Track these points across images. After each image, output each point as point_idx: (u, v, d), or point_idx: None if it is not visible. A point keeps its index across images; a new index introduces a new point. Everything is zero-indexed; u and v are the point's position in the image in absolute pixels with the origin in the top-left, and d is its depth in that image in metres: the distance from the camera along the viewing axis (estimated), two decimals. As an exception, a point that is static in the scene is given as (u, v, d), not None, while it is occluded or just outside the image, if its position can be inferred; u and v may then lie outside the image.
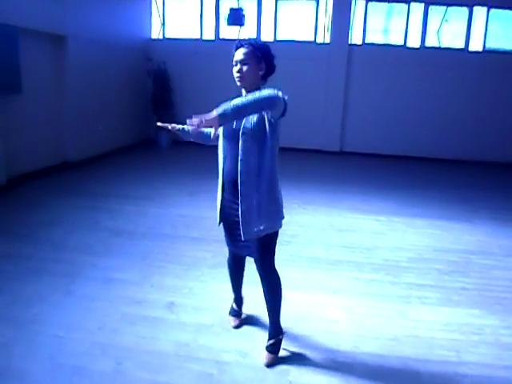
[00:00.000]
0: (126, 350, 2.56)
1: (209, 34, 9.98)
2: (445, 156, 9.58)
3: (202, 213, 5.04)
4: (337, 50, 9.40)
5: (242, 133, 2.26)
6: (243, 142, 2.27)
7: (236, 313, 2.92)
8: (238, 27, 9.66)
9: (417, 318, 3.04)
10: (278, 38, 9.72)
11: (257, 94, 2.06)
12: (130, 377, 2.35)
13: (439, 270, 3.84)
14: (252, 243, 2.41)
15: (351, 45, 9.52)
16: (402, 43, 9.62)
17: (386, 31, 10.03)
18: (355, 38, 9.67)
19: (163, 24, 10.11)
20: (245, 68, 2.29)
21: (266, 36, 9.71)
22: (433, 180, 7.73)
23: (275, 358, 2.53)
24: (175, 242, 4.20)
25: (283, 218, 2.45)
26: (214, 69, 9.60)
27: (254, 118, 2.23)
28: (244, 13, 9.33)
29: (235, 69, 2.33)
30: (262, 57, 2.31)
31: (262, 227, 2.33)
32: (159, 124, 2.70)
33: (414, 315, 3.06)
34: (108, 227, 4.55)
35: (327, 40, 9.61)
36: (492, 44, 9.73)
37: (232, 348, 2.62)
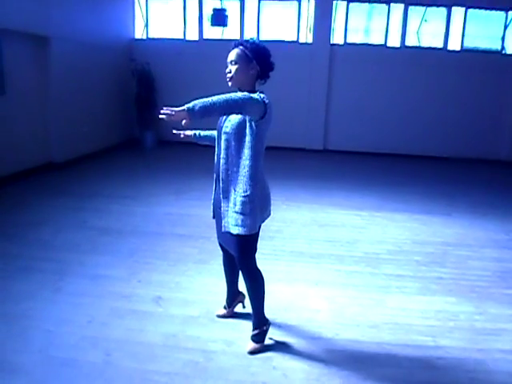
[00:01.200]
0: (115, 342, 2.64)
1: (192, 35, 10.04)
2: (426, 153, 9.80)
3: (188, 210, 5.13)
4: (319, 50, 9.55)
5: (224, 132, 2.37)
6: (224, 140, 2.38)
7: (224, 306, 3.00)
8: (222, 28, 9.77)
9: (395, 307, 3.18)
10: (261, 38, 9.81)
11: (232, 95, 2.13)
12: (119, 367, 2.44)
13: (417, 262, 4.00)
14: (231, 240, 2.48)
15: (333, 45, 9.68)
16: (383, 43, 9.81)
17: (367, 31, 10.21)
18: (337, 37, 9.82)
19: (146, 24, 10.14)
20: (233, 68, 2.36)
21: (249, 36, 9.78)
22: (414, 176, 7.92)
23: (259, 347, 2.62)
24: (162, 239, 4.28)
25: (250, 226, 2.37)
26: (197, 69, 9.69)
27: (236, 118, 2.32)
28: (227, 13, 9.45)
29: (226, 69, 2.41)
30: (254, 57, 2.34)
31: (234, 225, 2.39)
32: (174, 131, 2.83)
33: (392, 304, 3.20)
34: (95, 226, 4.60)
35: (310, 40, 9.75)
36: (470, 43, 9.98)
37: (218, 338, 2.72)
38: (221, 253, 2.86)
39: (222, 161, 2.42)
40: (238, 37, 9.80)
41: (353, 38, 9.91)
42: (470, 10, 9.70)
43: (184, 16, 9.95)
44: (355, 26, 9.99)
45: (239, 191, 2.37)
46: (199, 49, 9.82)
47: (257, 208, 2.41)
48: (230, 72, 2.38)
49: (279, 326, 2.86)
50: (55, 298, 3.13)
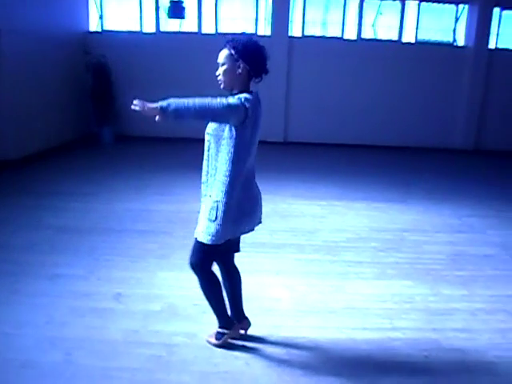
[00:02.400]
0: (76, 341, 2.60)
1: (149, 27, 9.84)
2: (384, 143, 10.04)
3: (149, 206, 5.08)
4: (277, 42, 9.57)
5: (206, 132, 2.32)
6: (207, 141, 2.33)
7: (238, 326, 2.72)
8: (179, 20, 9.64)
9: (354, 292, 3.29)
10: (219, 31, 9.76)
11: (209, 101, 2.07)
12: (80, 365, 2.41)
13: (375, 248, 4.14)
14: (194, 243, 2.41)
15: (291, 37, 9.75)
16: (340, 35, 9.97)
17: (324, 24, 10.35)
18: (295, 30, 9.91)
19: (101, 16, 9.86)
20: (221, 70, 2.29)
21: (208, 29, 9.72)
22: (373, 166, 8.13)
23: (215, 343, 2.59)
24: (122, 236, 4.22)
25: (214, 235, 2.26)
26: (155, 62, 9.53)
27: None
28: (184, 5, 9.33)
29: (217, 72, 2.33)
30: (241, 56, 2.23)
31: (201, 231, 2.31)
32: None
33: (351, 289, 3.31)
34: (52, 225, 4.48)
35: (268, 32, 9.78)
36: (423, 36, 10.30)
37: (180, 331, 2.73)
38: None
39: (204, 162, 2.37)
40: (195, 29, 9.72)
41: (311, 31, 10.02)
42: (423, 4, 10.00)
43: (140, 8, 9.73)
44: (313, 18, 10.10)
45: (212, 196, 2.30)
46: (156, 41, 9.65)
47: (228, 218, 2.27)
48: (219, 74, 2.30)
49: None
50: (12, 300, 3.04)
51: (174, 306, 3.00)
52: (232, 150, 2.22)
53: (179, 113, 2.05)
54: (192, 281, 3.29)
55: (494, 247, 4.40)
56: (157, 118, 2.03)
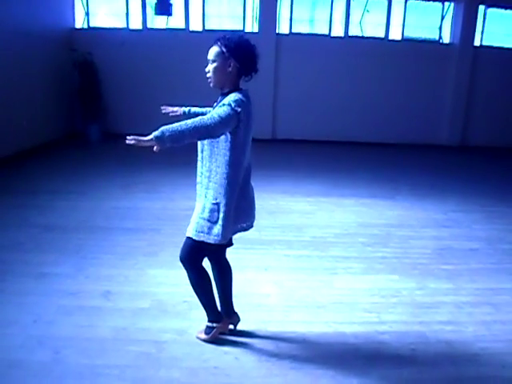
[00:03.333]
0: (64, 340, 2.59)
1: (136, 24, 9.76)
2: (371, 140, 10.12)
3: (137, 203, 5.06)
4: (265, 40, 9.55)
5: None
6: (201, 144, 2.32)
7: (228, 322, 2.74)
8: (166, 17, 9.58)
9: (341, 287, 3.32)
10: (206, 28, 9.73)
11: (200, 121, 2.04)
12: (68, 364, 2.39)
13: (363, 243, 4.18)
14: (185, 241, 2.42)
15: (279, 34, 9.76)
16: (327, 33, 10.01)
17: (311, 21, 10.37)
18: (282, 27, 9.91)
19: (87, 13, 9.75)
20: (211, 67, 2.26)
21: (195, 26, 9.68)
22: (360, 162, 8.19)
23: (204, 338, 2.61)
24: (109, 234, 4.20)
25: (216, 235, 2.28)
26: (142, 59, 9.47)
27: None
28: (171, 2, 9.27)
29: (206, 68, 2.31)
30: (232, 54, 2.21)
31: (198, 232, 2.31)
32: (163, 108, 2.77)
33: (339, 284, 3.34)
34: (38, 224, 4.43)
35: (255, 29, 9.78)
36: (410, 33, 10.38)
37: (169, 328, 2.73)
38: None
39: (198, 163, 2.37)
40: (183, 26, 9.67)
41: (298, 28, 10.04)
42: (410, 1, 10.07)
43: (127, 4, 9.64)
44: (300, 16, 10.12)
45: (209, 198, 2.29)
46: (143, 38, 9.58)
47: (229, 219, 2.28)
48: (208, 72, 2.28)
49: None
50: (-3, 299, 3.01)
51: (162, 303, 3.00)
52: (228, 152, 2.22)
53: (174, 138, 2.01)
54: (181, 278, 3.30)
55: (479, 241, 4.48)
56: (155, 148, 2.01)
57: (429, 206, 5.54)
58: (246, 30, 9.78)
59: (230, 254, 3.77)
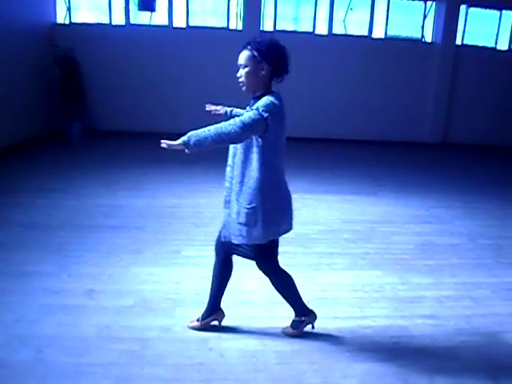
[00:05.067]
0: (47, 339, 2.56)
1: (119, 19, 9.66)
2: (355, 137, 10.20)
3: (120, 201, 5.02)
4: (249, 37, 9.55)
5: None
6: (233, 148, 2.32)
7: (198, 319, 2.75)
8: (150, 12, 9.49)
9: (325, 282, 3.35)
10: (190, 24, 9.67)
11: (224, 127, 2.07)
12: (51, 363, 2.37)
13: (346, 239, 4.22)
14: (245, 248, 2.43)
15: (263, 31, 9.74)
16: (311, 30, 10.05)
17: (295, 19, 10.40)
18: (267, 25, 9.91)
19: (69, 8, 9.61)
20: (243, 72, 2.25)
21: (179, 22, 9.62)
22: (344, 160, 8.26)
23: (293, 332, 2.69)
24: (93, 232, 4.16)
25: (256, 237, 2.31)
26: (125, 54, 9.39)
27: None
28: (155, -3, 9.18)
29: (237, 74, 2.29)
30: (264, 57, 2.20)
31: (237, 235, 2.34)
32: (207, 107, 2.81)
33: (322, 280, 3.37)
34: (20, 222, 4.36)
35: (240, 27, 9.76)
36: (393, 32, 10.49)
37: (154, 325, 2.72)
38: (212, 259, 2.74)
39: (228, 168, 2.37)
40: (166, 22, 9.59)
41: (282, 26, 10.05)
42: (393, 0, 10.17)
43: (109, 0, 9.53)
44: (284, 13, 10.14)
45: (243, 202, 2.29)
46: (126, 34, 9.48)
47: (268, 221, 2.31)
48: (241, 76, 2.27)
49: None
50: (-22, 299, 2.96)
51: (147, 301, 2.99)
52: (261, 157, 2.23)
53: (199, 143, 2.07)
54: (165, 275, 3.32)
55: (460, 237, 4.57)
56: (186, 151, 2.08)
57: (411, 202, 5.63)
58: (231, 27, 9.75)
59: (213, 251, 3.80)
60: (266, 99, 2.21)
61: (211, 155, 7.30)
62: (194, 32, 9.53)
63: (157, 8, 9.19)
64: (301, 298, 2.68)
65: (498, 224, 5.07)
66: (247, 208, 2.29)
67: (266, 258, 2.49)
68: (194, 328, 2.69)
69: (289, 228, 2.52)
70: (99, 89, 9.42)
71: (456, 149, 10.25)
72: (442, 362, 2.55)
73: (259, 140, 2.20)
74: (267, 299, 3.06)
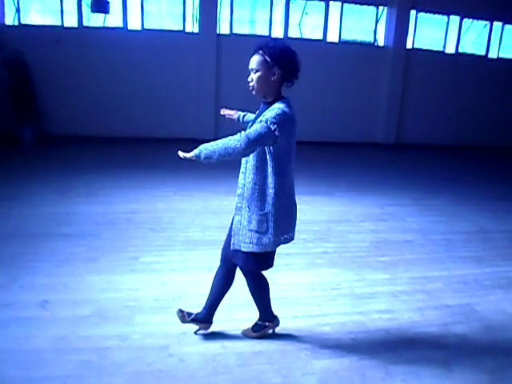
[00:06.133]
0: (-1, 353, 2.46)
1: (71, 21, 9.39)
2: (310, 139, 10.29)
3: (75, 208, 4.87)
4: (206, 40, 9.55)
5: None
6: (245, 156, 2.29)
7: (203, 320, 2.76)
8: (103, 14, 9.28)
9: (284, 283, 3.40)
10: (145, 27, 9.53)
11: (230, 142, 2.08)
12: (5, 378, 2.28)
13: (304, 239, 4.29)
14: (241, 256, 2.42)
15: (220, 35, 9.76)
16: (267, 34, 10.14)
17: (252, 22, 10.47)
18: (223, 28, 9.93)
19: (18, 9, 9.24)
20: (254, 77, 2.24)
21: (134, 24, 9.47)
22: (300, 161, 8.11)
23: (253, 335, 2.72)
24: (46, 240, 4.01)
25: (266, 244, 2.32)
26: (78, 58, 9.13)
27: None
28: (108, -1, 8.99)
29: (248, 78, 2.28)
30: (275, 62, 2.20)
31: (248, 243, 2.33)
32: (222, 112, 2.86)
33: (281, 280, 3.41)
34: (-34, 233, 4.16)
35: (196, 30, 9.72)
36: (346, 36, 10.76)
37: (112, 334, 2.67)
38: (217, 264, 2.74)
39: (240, 175, 2.35)
40: (121, 24, 9.42)
41: (239, 29, 10.10)
42: (346, 5, 10.43)
43: (61, 1, 9.24)
44: (241, 16, 10.19)
45: (255, 209, 2.29)
46: (79, 37, 9.22)
47: (279, 227, 2.32)
48: (252, 81, 2.26)
49: (174, 315, 2.88)
50: None
51: (104, 310, 2.92)
52: (272, 163, 2.24)
53: (209, 157, 2.11)
54: (123, 282, 3.27)
55: (413, 233, 4.75)
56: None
57: (366, 201, 5.79)
58: (187, 30, 9.70)
59: (174, 255, 3.78)
60: (277, 109, 2.19)
61: (166, 160, 7.25)
62: (149, 35, 9.40)
63: (111, 10, 9.01)
64: (270, 305, 2.72)
65: (448, 220, 5.31)
66: (259, 215, 2.29)
67: (262, 264, 2.47)
68: (181, 319, 2.67)
69: (293, 236, 2.55)
70: (52, 93, 9.12)
71: (408, 149, 10.65)
72: (398, 354, 2.65)
73: (271, 148, 2.21)
74: (226, 301, 3.04)
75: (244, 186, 2.34)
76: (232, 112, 2.82)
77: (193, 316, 2.68)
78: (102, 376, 2.32)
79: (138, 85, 9.43)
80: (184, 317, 2.68)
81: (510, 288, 3.61)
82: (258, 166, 2.27)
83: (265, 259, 2.43)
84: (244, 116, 2.79)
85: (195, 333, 2.73)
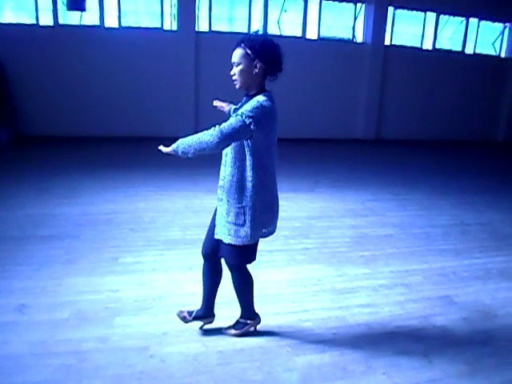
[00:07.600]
0: (-26, 360, 2.41)
1: (46, 20, 9.21)
2: (291, 136, 10.30)
3: (53, 210, 4.79)
4: (184, 37, 9.49)
5: None
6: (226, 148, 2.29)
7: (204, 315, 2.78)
8: (80, 12, 9.13)
9: (265, 280, 3.40)
10: (123, 25, 9.42)
11: (201, 135, 2.11)
12: (-21, 386, 2.23)
13: (286, 236, 4.31)
14: (224, 247, 2.43)
15: (198, 32, 9.70)
16: (246, 31, 10.11)
17: (230, 19, 10.44)
18: (202, 25, 9.87)
19: (-11, 8, 9.04)
20: (237, 70, 2.23)
21: (110, 22, 9.34)
22: (281, 158, 8.12)
23: (233, 333, 2.70)
24: (23, 243, 3.92)
25: (244, 237, 2.33)
26: (54, 57, 8.99)
27: None
28: (84, -3, 8.84)
29: (231, 72, 2.27)
30: (257, 55, 2.19)
31: (227, 235, 2.35)
32: (215, 103, 2.78)
33: (263, 277, 3.41)
34: None
35: (174, 27, 9.64)
36: (325, 33, 10.82)
37: (91, 337, 2.63)
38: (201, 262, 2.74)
39: (221, 167, 2.35)
40: (97, 22, 9.28)
41: (217, 27, 10.05)
42: (324, 2, 10.48)
43: (35, -1, 9.06)
44: (219, 14, 10.15)
45: (233, 202, 2.30)
46: (55, 35, 9.06)
47: (257, 221, 2.33)
48: (235, 74, 2.25)
49: (154, 315, 2.87)
50: None
51: (83, 312, 2.88)
52: (250, 157, 2.24)
53: (186, 151, 2.15)
54: (102, 284, 3.22)
55: (393, 227, 4.80)
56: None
57: (347, 196, 5.84)
58: (165, 28, 9.61)
59: (154, 255, 3.75)
60: (255, 102, 2.20)
61: (146, 160, 7.19)
62: (126, 32, 9.29)
63: (87, 7, 8.86)
64: (253, 302, 2.72)
65: (427, 214, 5.39)
66: (237, 207, 2.30)
67: (243, 260, 2.49)
68: (183, 320, 2.69)
69: (274, 230, 2.56)
70: (28, 93, 8.94)
71: (388, 144, 10.78)
72: (379, 348, 2.67)
73: (249, 142, 2.21)
74: (208, 300, 3.06)
75: (225, 178, 2.35)
76: (224, 104, 2.79)
77: (194, 314, 2.70)
78: (82, 380, 2.29)
79: (116, 83, 9.32)
80: (185, 317, 2.69)
81: (488, 279, 3.69)
82: (237, 160, 2.27)
83: (246, 252, 2.43)
84: (234, 110, 2.77)
85: (200, 328, 2.75)
